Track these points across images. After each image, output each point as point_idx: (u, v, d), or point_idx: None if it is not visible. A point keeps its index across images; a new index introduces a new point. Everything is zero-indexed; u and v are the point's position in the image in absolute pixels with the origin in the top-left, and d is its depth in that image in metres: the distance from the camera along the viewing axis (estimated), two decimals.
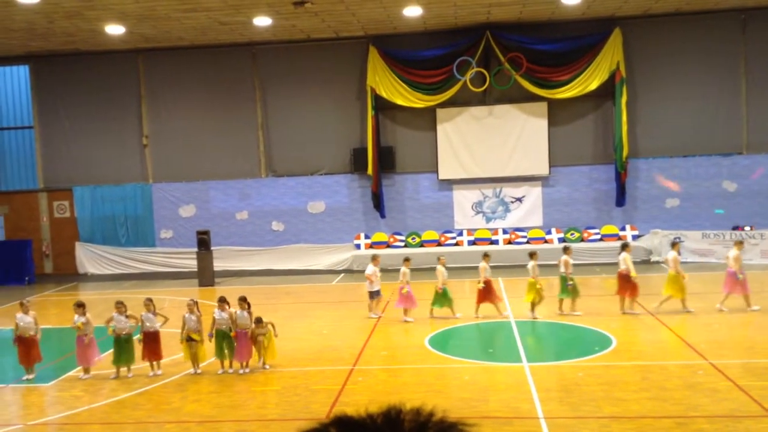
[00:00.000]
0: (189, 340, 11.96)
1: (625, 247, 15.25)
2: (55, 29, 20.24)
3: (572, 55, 22.18)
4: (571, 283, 14.98)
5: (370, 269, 15.54)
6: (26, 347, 12.22)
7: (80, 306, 12.38)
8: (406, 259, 15.77)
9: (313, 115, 23.73)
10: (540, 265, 15.50)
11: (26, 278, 22.87)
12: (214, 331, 12.04)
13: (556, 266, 15.39)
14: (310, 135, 23.73)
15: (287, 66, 23.69)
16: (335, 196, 23.93)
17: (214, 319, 12.09)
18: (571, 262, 15.18)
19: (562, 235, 22.95)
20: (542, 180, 23.28)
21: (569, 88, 22.31)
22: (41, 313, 16.73)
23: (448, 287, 15.31)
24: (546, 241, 22.87)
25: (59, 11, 18.20)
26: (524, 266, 15.84)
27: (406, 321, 15.09)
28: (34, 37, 21.06)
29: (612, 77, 22.12)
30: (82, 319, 12.17)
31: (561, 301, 15.20)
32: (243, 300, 12.25)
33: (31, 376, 12.17)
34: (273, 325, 12.25)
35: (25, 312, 12.33)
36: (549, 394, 10.31)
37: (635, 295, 14.93)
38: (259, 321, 12.13)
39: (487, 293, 15.18)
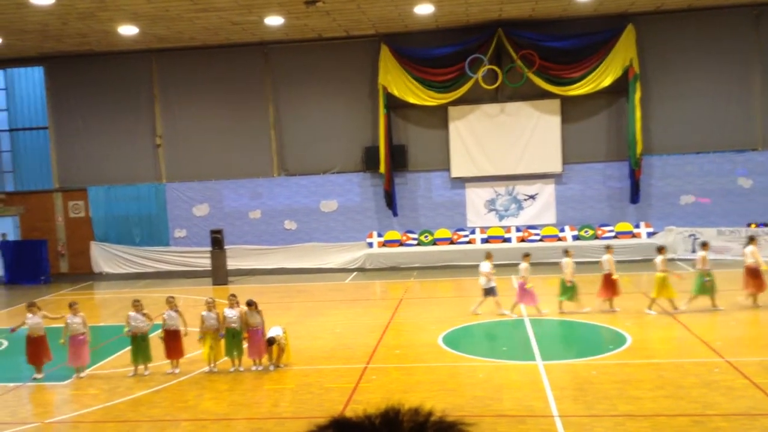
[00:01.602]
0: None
1: (752, 240, 15.00)
2: (69, 30, 20.38)
3: (585, 52, 22.06)
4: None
5: (486, 267, 14.91)
6: (35, 347, 12.32)
7: (71, 306, 12.44)
8: (526, 255, 15.34)
9: (325, 113, 23.77)
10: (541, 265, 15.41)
11: (42, 278, 23.07)
12: (223, 330, 12.08)
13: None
14: (322, 134, 23.76)
15: (299, 65, 23.73)
16: (347, 195, 23.95)
17: (224, 318, 12.14)
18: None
19: (575, 232, 22.85)
20: (555, 177, 23.18)
21: (582, 85, 22.19)
22: (57, 312, 16.88)
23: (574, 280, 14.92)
24: (559, 239, 22.78)
25: (73, 12, 18.33)
26: (540, 264, 15.79)
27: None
28: (48, 38, 21.22)
29: (625, 74, 21.98)
30: (77, 319, 12.24)
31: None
32: (250, 304, 12.24)
33: (40, 376, 12.28)
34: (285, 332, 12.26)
35: (33, 313, 12.43)
36: (563, 393, 10.27)
37: (764, 289, 14.57)
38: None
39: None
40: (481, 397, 10.20)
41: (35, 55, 23.68)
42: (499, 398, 10.11)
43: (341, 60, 23.51)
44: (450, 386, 10.85)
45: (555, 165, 22.97)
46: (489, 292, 15.00)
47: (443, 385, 10.90)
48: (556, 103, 22.76)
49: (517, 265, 15.58)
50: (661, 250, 14.98)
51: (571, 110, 22.82)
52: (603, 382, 10.57)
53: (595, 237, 22.70)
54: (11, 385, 12.07)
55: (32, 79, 25.22)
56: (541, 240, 22.85)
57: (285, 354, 12.14)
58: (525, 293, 14.88)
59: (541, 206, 23.28)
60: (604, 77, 22.08)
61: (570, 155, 22.93)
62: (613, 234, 22.65)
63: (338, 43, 23.35)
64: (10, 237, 24.65)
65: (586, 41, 22.00)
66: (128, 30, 20.48)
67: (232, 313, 12.14)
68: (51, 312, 13.15)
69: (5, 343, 15.10)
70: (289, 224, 24.18)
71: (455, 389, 10.73)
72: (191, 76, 24.16)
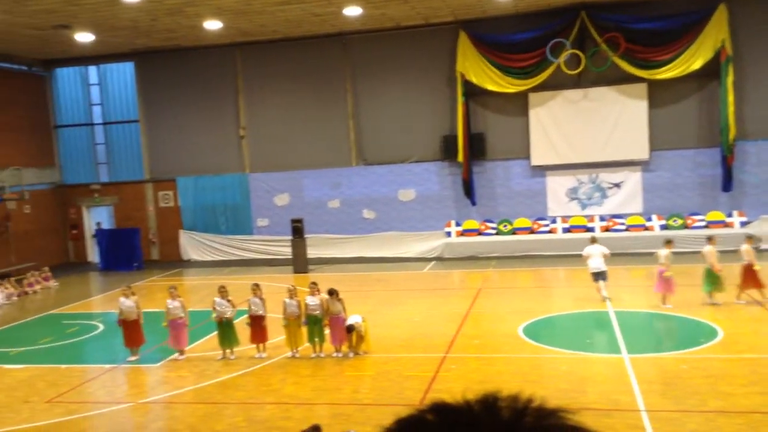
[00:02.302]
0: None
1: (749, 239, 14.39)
2: (158, 26, 21.17)
3: (674, 34, 21.13)
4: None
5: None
6: (130, 330, 12.92)
7: (173, 289, 12.97)
8: (668, 241, 14.69)
9: (403, 102, 23.78)
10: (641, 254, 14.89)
11: (135, 264, 24.16)
12: (306, 317, 12.31)
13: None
14: (400, 123, 23.79)
15: (377, 55, 23.82)
16: (426, 184, 23.92)
17: (306, 305, 12.37)
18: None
19: (663, 222, 22.02)
20: (642, 164, 22.39)
21: (671, 68, 21.29)
22: (149, 297, 17.70)
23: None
24: (646, 228, 22.02)
25: (161, 9, 19.02)
26: (625, 255, 15.28)
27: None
28: (138, 34, 22.11)
29: (717, 56, 20.93)
30: (176, 303, 12.72)
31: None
32: (332, 293, 12.43)
33: (134, 358, 12.87)
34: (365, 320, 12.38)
35: (127, 296, 13.03)
36: (651, 387, 9.96)
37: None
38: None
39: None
40: (565, 389, 10.00)
41: (126, 51, 24.73)
42: (584, 391, 9.90)
43: (419, 48, 23.43)
44: (532, 378, 10.71)
45: (642, 152, 22.18)
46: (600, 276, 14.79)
47: (525, 376, 10.77)
48: (642, 88, 21.94)
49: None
50: (748, 239, 14.25)
51: (658, 94, 21.95)
52: (693, 377, 10.18)
53: (685, 226, 21.81)
54: (107, 366, 12.72)
55: (124, 74, 26.35)
56: (626, 230, 22.14)
57: (364, 342, 12.28)
58: (663, 281, 14.18)
59: (627, 194, 22.54)
60: (694, 60, 21.10)
61: (658, 141, 22.09)
62: (704, 224, 21.70)
63: (416, 32, 23.27)
64: (105, 226, 25.93)
65: (674, 22, 21.07)
66: (213, 25, 21.08)
67: (313, 301, 12.37)
68: (143, 297, 13.77)
69: (101, 327, 15.94)
70: (368, 213, 24.38)
71: (537, 381, 10.57)
72: (273, 68, 24.66)
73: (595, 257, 14.95)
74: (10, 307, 19.09)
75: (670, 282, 14.14)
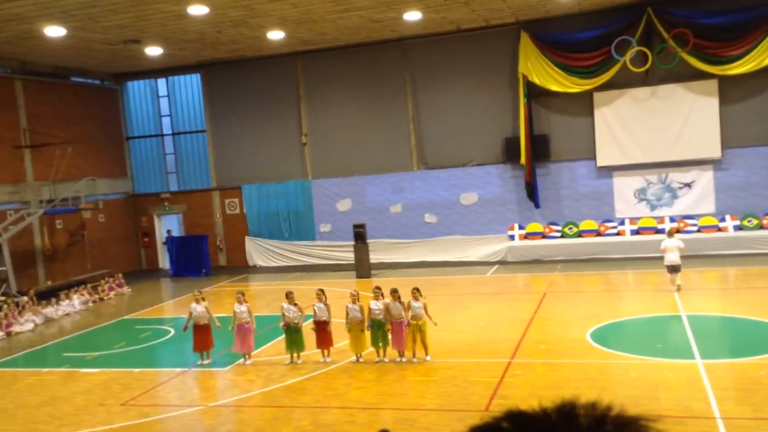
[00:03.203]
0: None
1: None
2: (223, 38, 21.72)
3: (745, 28, 20.31)
4: None
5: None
6: (200, 335, 13.22)
7: (241, 294, 13.21)
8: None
9: (464, 106, 23.64)
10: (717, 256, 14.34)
11: (204, 270, 24.80)
12: (369, 321, 12.34)
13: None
14: (461, 126, 23.67)
15: (437, 58, 23.77)
16: (487, 187, 23.70)
17: (369, 309, 12.40)
18: None
19: (737, 222, 21.17)
20: (714, 163, 21.59)
21: (742, 63, 20.46)
22: (217, 302, 18.13)
23: None
24: (719, 229, 21.21)
25: (226, 21, 19.51)
26: (697, 257, 14.74)
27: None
28: (204, 46, 22.74)
29: None
30: (243, 308, 12.95)
31: None
32: (395, 291, 12.44)
33: (207, 361, 13.18)
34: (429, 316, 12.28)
35: (198, 302, 13.34)
36: (726, 393, 9.57)
37: None
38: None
39: None
40: (636, 396, 9.71)
41: (193, 63, 25.47)
42: (656, 397, 9.59)
43: (479, 51, 23.27)
44: (600, 383, 10.44)
45: (713, 150, 21.39)
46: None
47: (593, 382, 10.51)
48: (713, 84, 21.18)
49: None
50: None
51: (730, 91, 21.14)
52: None
53: (760, 227, 20.90)
54: (178, 370, 13.08)
55: (191, 85, 27.15)
56: (698, 231, 21.39)
57: (424, 346, 12.18)
58: None
59: (699, 194, 21.77)
60: (767, 54, 20.22)
61: (730, 139, 21.26)
62: None
63: (476, 34, 23.12)
64: (175, 233, 26.72)
65: (745, 16, 20.24)
66: (276, 35, 21.49)
67: (376, 305, 12.39)
68: (211, 303, 14.10)
69: (172, 332, 16.41)
70: (430, 217, 24.32)
71: (606, 387, 10.29)
72: (333, 75, 24.94)
73: (673, 251, 15.70)
74: (86, 313, 19.88)
75: None
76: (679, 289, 15.72)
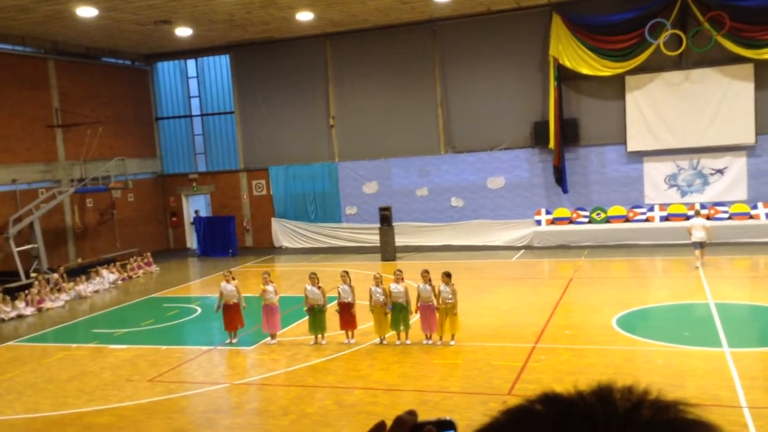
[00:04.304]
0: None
1: None
2: (252, 19, 21.74)
3: None
4: None
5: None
6: (230, 314, 13.37)
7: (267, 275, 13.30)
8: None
9: (493, 89, 23.41)
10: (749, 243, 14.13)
11: (230, 251, 25.04)
12: (391, 304, 12.36)
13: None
14: (489, 110, 23.45)
15: (467, 41, 23.53)
16: (515, 171, 23.50)
17: (390, 293, 12.41)
18: None
19: None
20: (747, 149, 21.14)
21: None
22: (243, 282, 18.29)
23: None
24: (751, 217, 20.81)
25: (256, 1, 19.51)
26: (728, 244, 14.53)
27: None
28: (233, 27, 22.79)
29: None
30: (270, 288, 13.04)
31: None
32: (426, 273, 12.45)
33: (234, 341, 13.34)
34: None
35: (228, 281, 13.48)
36: (754, 382, 9.43)
37: None
38: (448, 275, 12.22)
39: None
40: (661, 383, 9.44)
41: (222, 44, 25.55)
42: (681, 385, 9.48)
43: (510, 33, 22.98)
44: (626, 370, 10.35)
45: (747, 136, 20.94)
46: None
47: (618, 368, 10.43)
48: (749, 68, 20.68)
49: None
50: None
51: (766, 75, 20.62)
52: None
53: None
54: (205, 348, 13.27)
55: (220, 67, 27.25)
56: (729, 218, 21.01)
57: (455, 325, 12.16)
58: None
59: (731, 181, 21.35)
60: None
61: (765, 125, 20.78)
62: None
63: (507, 16, 22.82)
64: (203, 213, 26.99)
65: None
66: (305, 16, 21.44)
67: (397, 288, 12.40)
68: (240, 282, 14.24)
69: (199, 310, 16.63)
70: (456, 201, 24.22)
71: (631, 374, 10.20)
72: (362, 57, 24.84)
73: (698, 229, 16.81)
74: (114, 291, 20.23)
75: None
76: (702, 264, 16.62)
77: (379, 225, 22.23)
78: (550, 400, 0.92)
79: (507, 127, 23.30)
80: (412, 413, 1.00)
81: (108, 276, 20.72)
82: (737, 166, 21.30)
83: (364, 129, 25.04)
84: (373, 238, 23.14)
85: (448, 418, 0.99)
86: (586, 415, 0.89)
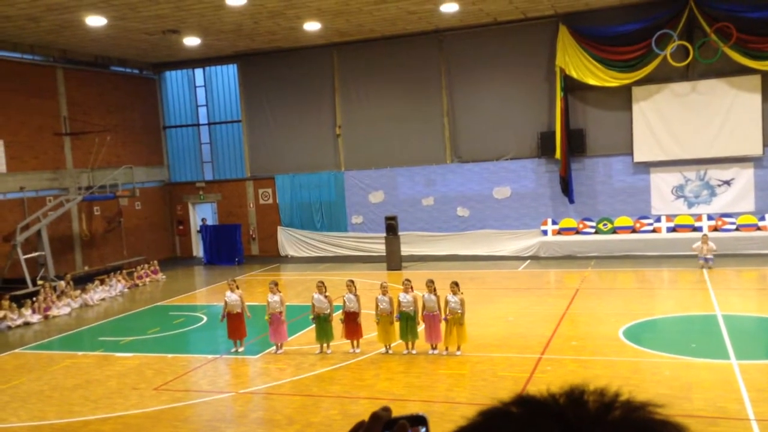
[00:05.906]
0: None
1: None
2: (260, 29, 21.86)
3: None
4: None
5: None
6: (234, 323, 13.38)
7: (274, 285, 13.31)
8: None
9: (499, 99, 23.44)
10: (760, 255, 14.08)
11: (236, 259, 25.08)
12: (398, 313, 12.35)
13: None
14: (495, 120, 23.48)
15: (473, 51, 23.59)
16: (521, 181, 23.50)
17: (399, 302, 12.40)
18: None
19: None
20: (755, 161, 21.09)
21: None
22: (249, 291, 18.32)
23: None
24: (759, 228, 20.73)
25: (263, 12, 19.62)
26: (735, 256, 14.49)
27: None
28: (241, 37, 22.92)
29: None
30: (276, 298, 13.05)
31: None
32: (431, 283, 12.45)
33: (240, 349, 13.34)
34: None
35: (232, 290, 13.49)
36: (762, 395, 9.37)
37: None
38: (456, 284, 12.21)
39: None
40: (668, 395, 9.57)
41: (230, 53, 25.69)
42: (688, 397, 9.44)
43: (516, 43, 23.03)
44: (632, 382, 10.30)
45: (755, 147, 20.89)
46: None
47: (625, 380, 10.37)
48: (756, 80, 20.66)
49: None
50: None
51: None
52: None
53: None
54: (210, 356, 13.27)
55: (227, 76, 27.39)
56: (737, 229, 20.94)
57: (461, 336, 12.13)
58: None
59: (738, 192, 21.29)
60: None
61: None
62: None
63: (514, 27, 22.88)
64: (209, 222, 27.06)
65: None
66: (312, 26, 21.55)
67: (406, 298, 12.39)
68: (244, 291, 14.25)
69: (205, 319, 16.64)
70: (462, 211, 24.22)
71: (638, 385, 10.15)
72: (369, 67, 24.93)
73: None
74: (121, 299, 20.27)
75: None
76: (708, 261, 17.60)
77: (385, 234, 22.24)
78: (524, 402, 0.95)
79: (513, 137, 23.32)
80: (386, 409, 1.04)
81: (117, 285, 20.79)
82: (744, 177, 21.25)
83: (371, 138, 25.09)
84: (379, 248, 23.15)
85: (420, 413, 1.03)
86: (558, 416, 0.91)
